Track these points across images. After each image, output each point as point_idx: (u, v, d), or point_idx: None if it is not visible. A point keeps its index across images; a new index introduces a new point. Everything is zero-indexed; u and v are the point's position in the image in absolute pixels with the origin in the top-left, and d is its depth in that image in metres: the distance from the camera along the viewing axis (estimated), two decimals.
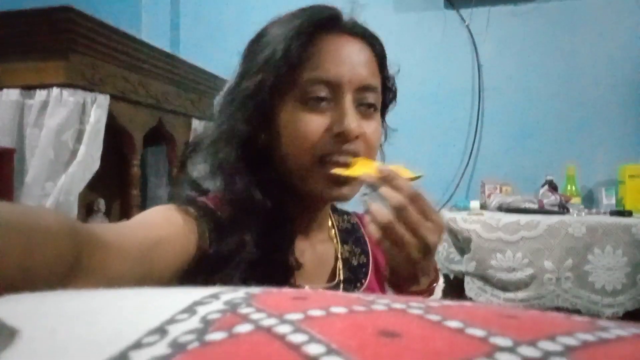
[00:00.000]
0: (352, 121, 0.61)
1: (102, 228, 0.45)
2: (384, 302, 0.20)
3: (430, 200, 0.57)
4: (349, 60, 0.63)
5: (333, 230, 0.77)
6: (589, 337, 0.16)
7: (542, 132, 2.51)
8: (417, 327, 0.17)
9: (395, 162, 0.63)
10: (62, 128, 1.57)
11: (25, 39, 1.62)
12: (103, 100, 1.70)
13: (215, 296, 0.21)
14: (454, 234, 1.91)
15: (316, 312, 0.19)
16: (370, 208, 0.56)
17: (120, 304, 0.21)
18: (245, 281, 0.57)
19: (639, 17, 2.40)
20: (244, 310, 0.19)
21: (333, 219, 0.78)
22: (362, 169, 0.60)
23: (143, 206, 2.19)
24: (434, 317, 0.18)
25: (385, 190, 0.56)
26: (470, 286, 1.86)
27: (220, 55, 2.08)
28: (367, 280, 0.75)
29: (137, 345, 0.16)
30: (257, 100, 0.63)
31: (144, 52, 1.93)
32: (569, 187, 2.26)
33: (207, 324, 0.18)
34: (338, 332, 0.17)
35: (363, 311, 0.19)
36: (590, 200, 2.41)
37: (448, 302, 0.21)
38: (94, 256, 0.39)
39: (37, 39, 1.62)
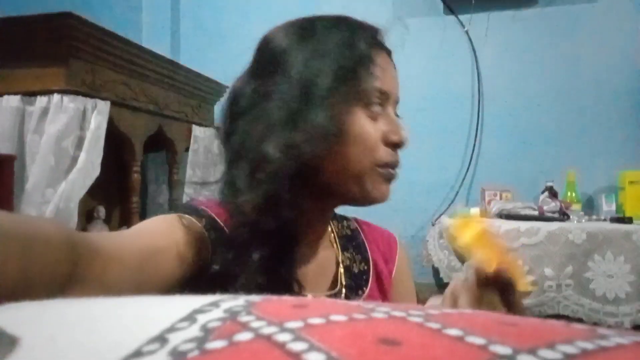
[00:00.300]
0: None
1: (101, 237, 0.45)
2: (384, 310, 0.20)
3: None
4: (394, 74, 0.69)
5: (332, 235, 0.77)
6: (588, 345, 0.16)
7: (542, 139, 2.51)
8: (417, 335, 0.17)
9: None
10: (63, 134, 1.57)
11: (25, 45, 1.63)
12: (103, 106, 1.70)
13: (215, 304, 0.21)
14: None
15: (316, 320, 0.19)
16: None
17: (120, 312, 0.21)
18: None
19: (639, 24, 2.41)
20: (244, 318, 0.19)
21: (332, 224, 0.78)
22: (483, 243, 0.65)
23: (143, 213, 2.19)
24: (434, 325, 0.18)
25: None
26: None
27: (220, 61, 2.09)
28: (368, 288, 0.75)
29: (137, 353, 0.16)
30: (326, 107, 0.60)
31: (144, 58, 1.93)
32: (569, 194, 2.26)
33: (207, 333, 0.18)
34: (338, 340, 0.17)
35: (363, 319, 0.19)
36: (590, 207, 2.41)
37: (448, 310, 0.21)
38: (92, 265, 0.39)
39: (38, 45, 1.62)
